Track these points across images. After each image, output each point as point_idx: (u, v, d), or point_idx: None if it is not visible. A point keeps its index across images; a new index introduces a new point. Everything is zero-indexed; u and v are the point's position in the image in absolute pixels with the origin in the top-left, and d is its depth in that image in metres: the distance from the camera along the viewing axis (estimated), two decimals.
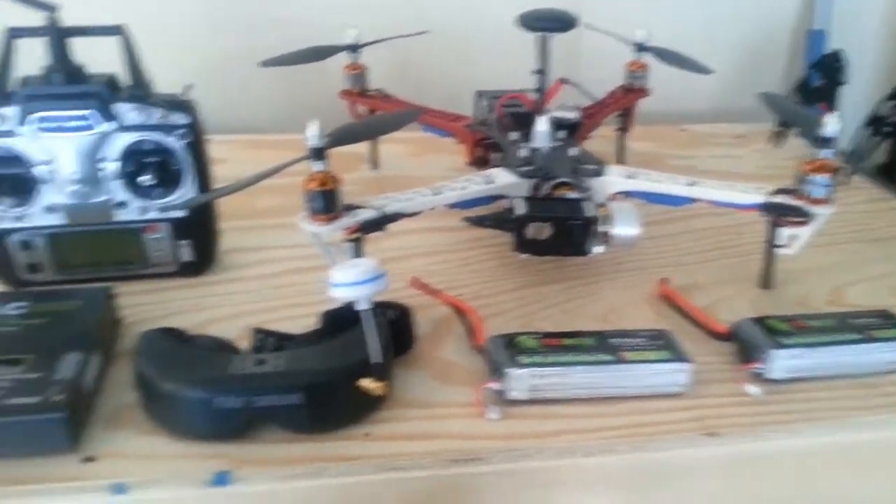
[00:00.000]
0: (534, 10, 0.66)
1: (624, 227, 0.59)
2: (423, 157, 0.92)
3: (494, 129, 0.75)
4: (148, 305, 0.63)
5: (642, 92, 0.87)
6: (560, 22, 0.65)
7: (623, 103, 0.86)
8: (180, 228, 0.64)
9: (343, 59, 0.84)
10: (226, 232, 0.70)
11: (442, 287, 0.63)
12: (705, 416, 0.54)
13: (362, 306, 0.48)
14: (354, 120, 0.86)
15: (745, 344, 0.58)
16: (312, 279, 0.67)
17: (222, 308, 0.64)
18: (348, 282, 0.47)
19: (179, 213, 0.63)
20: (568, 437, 0.52)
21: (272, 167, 0.54)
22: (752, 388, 0.55)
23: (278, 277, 0.68)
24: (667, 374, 0.54)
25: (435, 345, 0.60)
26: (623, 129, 0.89)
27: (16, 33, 0.58)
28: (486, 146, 0.77)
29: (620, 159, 0.88)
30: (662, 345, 0.56)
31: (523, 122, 0.75)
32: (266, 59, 0.78)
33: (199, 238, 0.66)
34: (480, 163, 0.77)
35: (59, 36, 0.58)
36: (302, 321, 0.60)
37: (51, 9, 0.57)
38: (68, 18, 0.59)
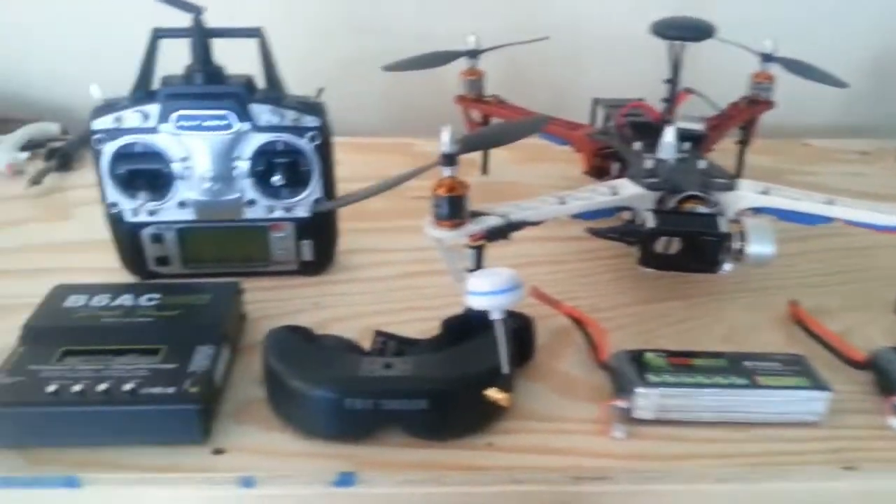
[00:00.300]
0: (669, 19, 0.64)
1: (760, 245, 0.57)
2: (530, 164, 0.91)
3: (616, 139, 0.74)
4: (269, 302, 0.64)
5: (767, 104, 0.83)
6: (696, 31, 0.63)
7: (746, 115, 0.83)
8: (303, 228, 0.65)
9: (456, 64, 0.84)
10: (343, 233, 0.70)
11: (558, 297, 0.62)
12: (843, 448, 0.51)
13: (496, 316, 0.48)
14: (468, 125, 0.86)
15: (886, 374, 0.55)
16: (428, 283, 0.67)
17: (340, 308, 0.64)
18: (486, 291, 0.47)
19: (303, 213, 0.64)
20: (697, 461, 0.50)
21: (406, 172, 0.54)
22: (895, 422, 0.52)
23: (395, 280, 0.68)
24: (803, 402, 0.52)
25: (554, 356, 0.59)
26: (744, 142, 0.86)
27: (161, 34, 0.60)
28: (605, 156, 0.76)
29: (739, 174, 0.85)
30: (799, 370, 0.53)
31: (646, 132, 0.73)
32: (387, 63, 0.78)
33: (320, 238, 0.67)
34: (598, 173, 0.75)
35: (202, 37, 0.59)
36: (419, 325, 0.60)
37: (197, 10, 0.58)
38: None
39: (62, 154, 0.87)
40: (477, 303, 0.47)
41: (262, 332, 0.58)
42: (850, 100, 1.07)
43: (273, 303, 0.64)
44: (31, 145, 0.91)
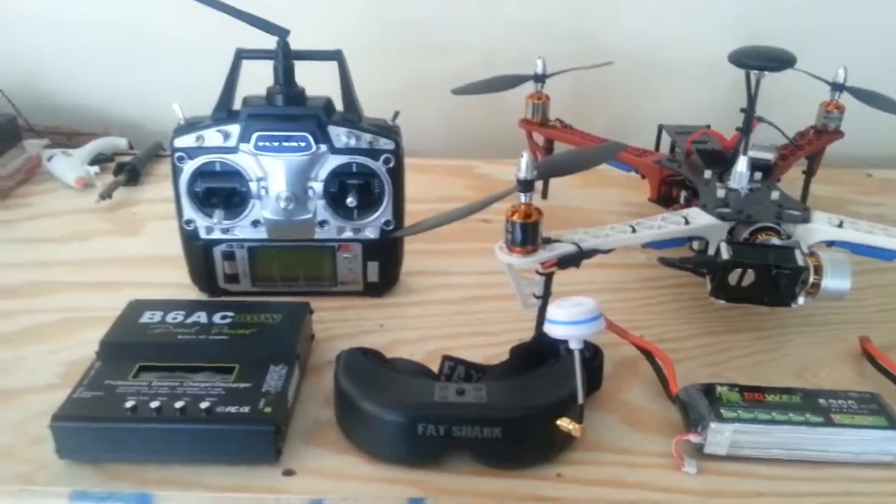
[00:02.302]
0: (750, 48, 0.63)
1: (836, 279, 0.56)
2: (591, 189, 0.91)
3: (685, 167, 0.73)
4: (335, 322, 0.65)
5: (837, 134, 0.82)
6: (778, 61, 0.62)
7: (816, 146, 0.82)
8: (370, 249, 0.66)
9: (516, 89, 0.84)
10: (406, 254, 0.70)
11: (623, 327, 0.62)
12: None
13: (574, 346, 0.48)
14: (530, 149, 0.86)
15: None
16: (492, 308, 0.67)
17: (405, 331, 0.65)
18: (566, 320, 0.47)
19: (372, 235, 0.65)
20: (770, 499, 0.49)
21: (484, 199, 0.54)
22: None
23: (458, 304, 0.68)
24: (880, 442, 0.51)
25: (621, 387, 0.58)
26: (810, 172, 0.85)
27: (244, 55, 0.61)
28: (672, 183, 0.75)
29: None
30: (876, 409, 0.52)
31: (714, 159, 0.73)
32: (456, 87, 0.79)
33: (386, 260, 0.67)
34: (665, 200, 0.75)
35: (286, 60, 0.60)
36: (484, 350, 0.60)
37: (284, 33, 0.59)
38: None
39: (130, 169, 0.89)
40: (556, 332, 0.47)
41: (330, 353, 0.59)
42: None
43: (339, 323, 0.65)
44: (99, 159, 0.93)
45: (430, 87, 0.96)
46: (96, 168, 0.90)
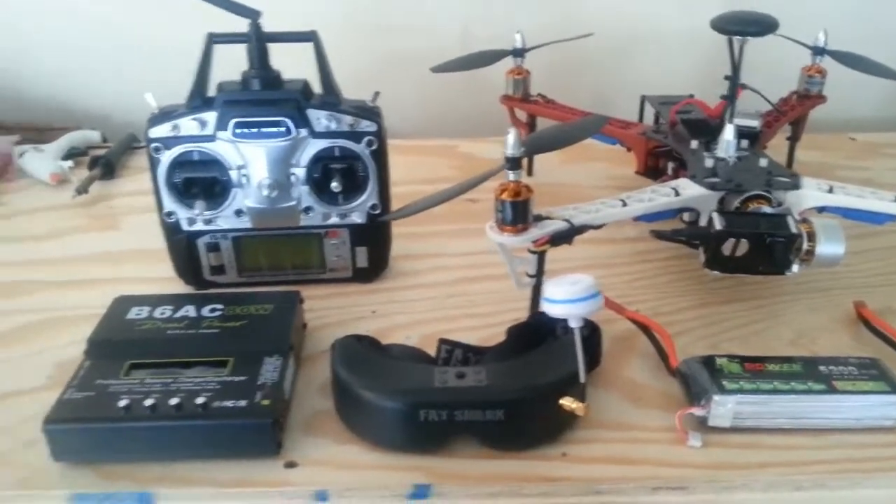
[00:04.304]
0: (731, 13, 0.62)
1: (830, 245, 0.56)
2: (575, 164, 0.90)
3: (671, 138, 0.73)
4: (326, 310, 0.64)
5: (819, 98, 0.82)
6: (760, 25, 0.61)
7: (799, 111, 0.81)
8: (358, 235, 0.65)
9: (498, 65, 0.83)
10: (394, 239, 0.69)
11: (618, 302, 0.61)
12: None
13: (574, 324, 0.47)
14: (513, 125, 0.85)
15: None
16: (484, 289, 0.67)
17: (398, 316, 0.64)
18: (564, 299, 0.46)
19: (359, 220, 0.64)
20: (776, 469, 0.49)
21: (473, 179, 0.53)
22: None
23: (450, 286, 0.68)
24: (882, 407, 0.51)
25: (620, 363, 0.58)
26: (794, 138, 0.85)
27: (217, 39, 0.59)
28: (659, 155, 0.74)
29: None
30: (876, 375, 0.52)
31: (700, 129, 0.72)
32: (435, 65, 0.78)
33: (374, 244, 0.66)
34: (653, 172, 0.74)
35: (259, 42, 0.58)
36: (479, 332, 0.59)
37: (255, 15, 0.57)
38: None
39: (105, 162, 0.87)
40: (555, 311, 0.47)
41: (323, 341, 0.58)
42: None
43: (330, 311, 0.64)
44: (72, 154, 0.91)
45: (405, 67, 0.95)
46: (70, 163, 0.88)
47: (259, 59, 0.59)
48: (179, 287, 0.66)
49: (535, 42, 0.82)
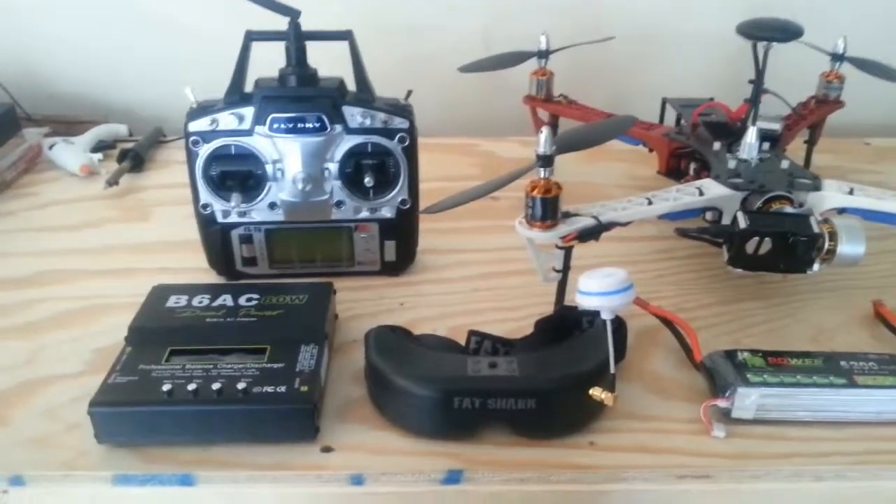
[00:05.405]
0: (757, 19, 0.64)
1: (851, 245, 0.57)
2: (596, 163, 0.91)
3: (693, 139, 0.74)
4: (356, 302, 0.65)
5: (837, 104, 0.83)
6: (786, 32, 0.63)
7: (818, 115, 0.83)
8: (387, 229, 0.66)
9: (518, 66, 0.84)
10: (421, 233, 0.71)
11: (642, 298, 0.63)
12: None
13: (606, 316, 0.48)
14: (535, 126, 0.87)
15: None
16: (509, 283, 0.68)
17: (425, 308, 0.65)
18: (598, 291, 0.47)
19: (388, 214, 0.65)
20: (798, 460, 0.50)
21: (506, 176, 0.55)
22: None
23: (476, 280, 0.69)
24: None
25: (644, 356, 0.59)
26: (811, 141, 0.86)
27: (255, 36, 0.61)
28: (681, 156, 0.76)
29: None
30: None
31: (721, 131, 0.73)
32: (463, 65, 0.79)
33: (402, 238, 0.67)
34: (675, 173, 0.76)
35: (298, 40, 0.60)
36: (506, 325, 0.61)
37: (294, 14, 0.59)
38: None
39: (134, 155, 0.88)
40: (589, 303, 0.48)
41: (354, 332, 0.60)
42: None
43: (360, 303, 0.65)
44: (100, 147, 0.92)
45: (427, 66, 0.96)
46: (99, 155, 0.89)
47: (297, 56, 0.60)
48: (211, 277, 0.67)
49: (555, 44, 0.84)
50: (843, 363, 0.54)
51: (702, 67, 1.03)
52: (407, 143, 0.63)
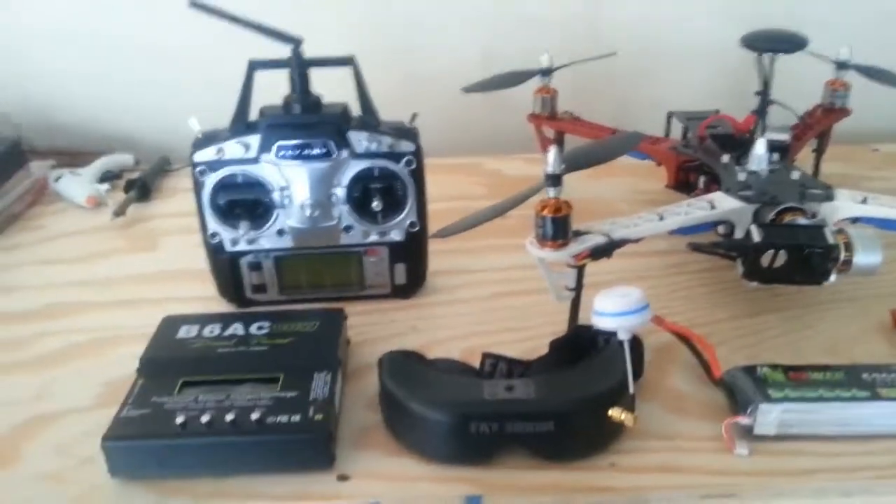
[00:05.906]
0: (762, 31, 0.64)
1: (867, 255, 0.56)
2: (602, 179, 0.90)
3: (700, 152, 0.74)
4: (367, 327, 0.65)
5: (844, 112, 0.83)
6: (790, 43, 0.63)
7: (825, 124, 0.82)
8: (396, 252, 0.66)
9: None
10: (431, 254, 0.70)
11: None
12: None
13: (623, 337, 0.48)
14: (540, 143, 0.86)
15: None
16: (521, 303, 0.67)
17: (438, 331, 0.64)
18: (614, 311, 0.47)
19: (398, 237, 0.65)
20: (824, 475, 0.49)
21: (518, 196, 0.54)
22: None
23: (487, 301, 0.68)
24: None
25: (662, 374, 0.58)
26: (819, 150, 0.85)
27: (258, 65, 0.61)
28: (689, 169, 0.75)
29: None
30: None
31: (729, 143, 0.73)
32: (466, 85, 0.79)
33: (412, 261, 0.67)
34: (683, 186, 0.75)
35: (301, 67, 0.60)
36: (519, 346, 0.60)
37: (296, 42, 0.59)
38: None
39: (141, 185, 0.88)
40: (605, 323, 0.47)
41: (366, 357, 0.59)
42: None
43: (371, 327, 0.65)
44: (106, 177, 0.92)
45: (429, 87, 0.96)
46: (107, 185, 0.89)
47: (300, 83, 0.60)
48: (221, 306, 0.67)
49: (555, 61, 0.83)
50: (864, 375, 0.53)
51: (704, 80, 1.02)
52: (414, 167, 0.62)
